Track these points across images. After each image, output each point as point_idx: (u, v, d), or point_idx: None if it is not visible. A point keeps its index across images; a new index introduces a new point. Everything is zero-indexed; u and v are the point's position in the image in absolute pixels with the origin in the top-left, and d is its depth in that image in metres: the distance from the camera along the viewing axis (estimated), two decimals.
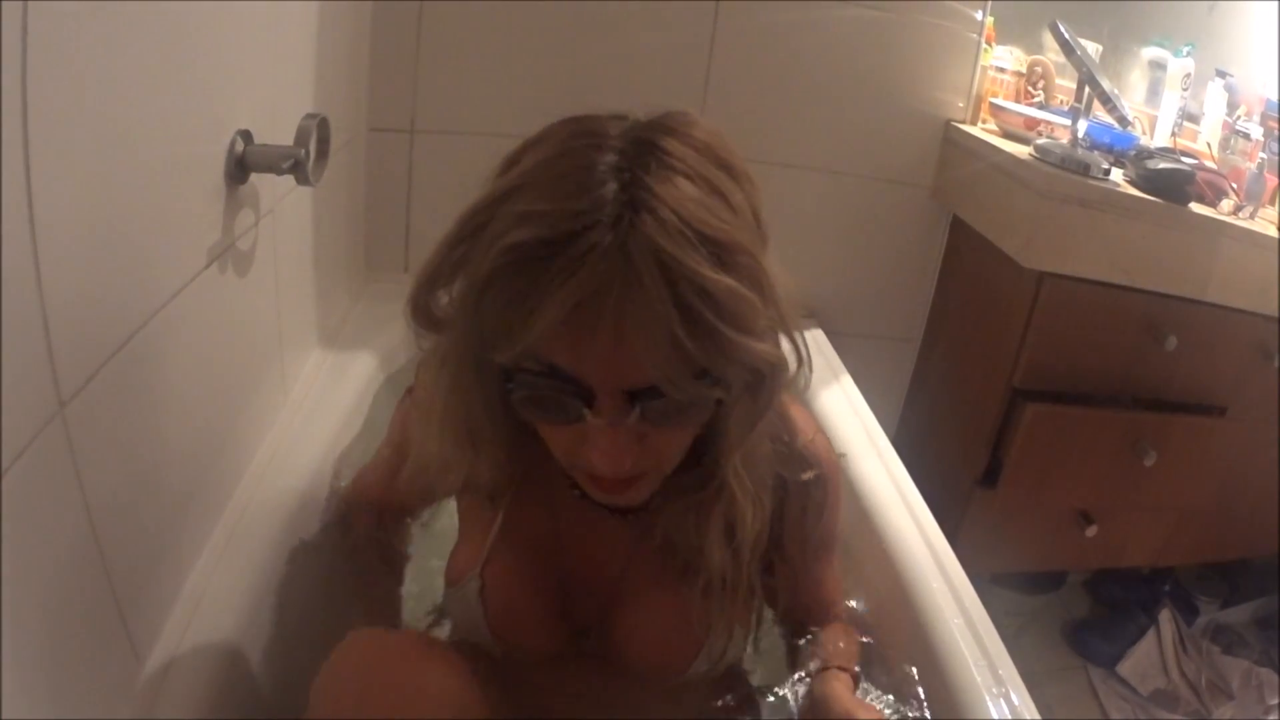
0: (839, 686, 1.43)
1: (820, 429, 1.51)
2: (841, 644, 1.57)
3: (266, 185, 1.79)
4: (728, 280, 0.98)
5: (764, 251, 1.09)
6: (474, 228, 1.05)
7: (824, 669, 1.49)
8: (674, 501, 1.30)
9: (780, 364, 1.14)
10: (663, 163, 1.01)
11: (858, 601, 1.81)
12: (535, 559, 1.41)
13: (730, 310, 0.99)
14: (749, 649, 1.56)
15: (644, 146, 1.03)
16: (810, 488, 1.43)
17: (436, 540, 1.82)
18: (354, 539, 1.75)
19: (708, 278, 0.97)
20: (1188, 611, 3.62)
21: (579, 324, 0.98)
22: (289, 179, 1.68)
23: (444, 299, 1.14)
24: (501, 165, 1.13)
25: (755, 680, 1.64)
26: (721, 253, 0.99)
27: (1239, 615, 3.72)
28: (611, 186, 0.98)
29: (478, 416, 1.20)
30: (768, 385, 1.15)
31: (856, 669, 1.53)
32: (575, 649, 1.47)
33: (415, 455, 1.41)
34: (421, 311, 1.16)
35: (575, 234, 0.95)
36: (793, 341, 1.17)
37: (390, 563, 1.74)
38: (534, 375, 1.05)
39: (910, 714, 1.67)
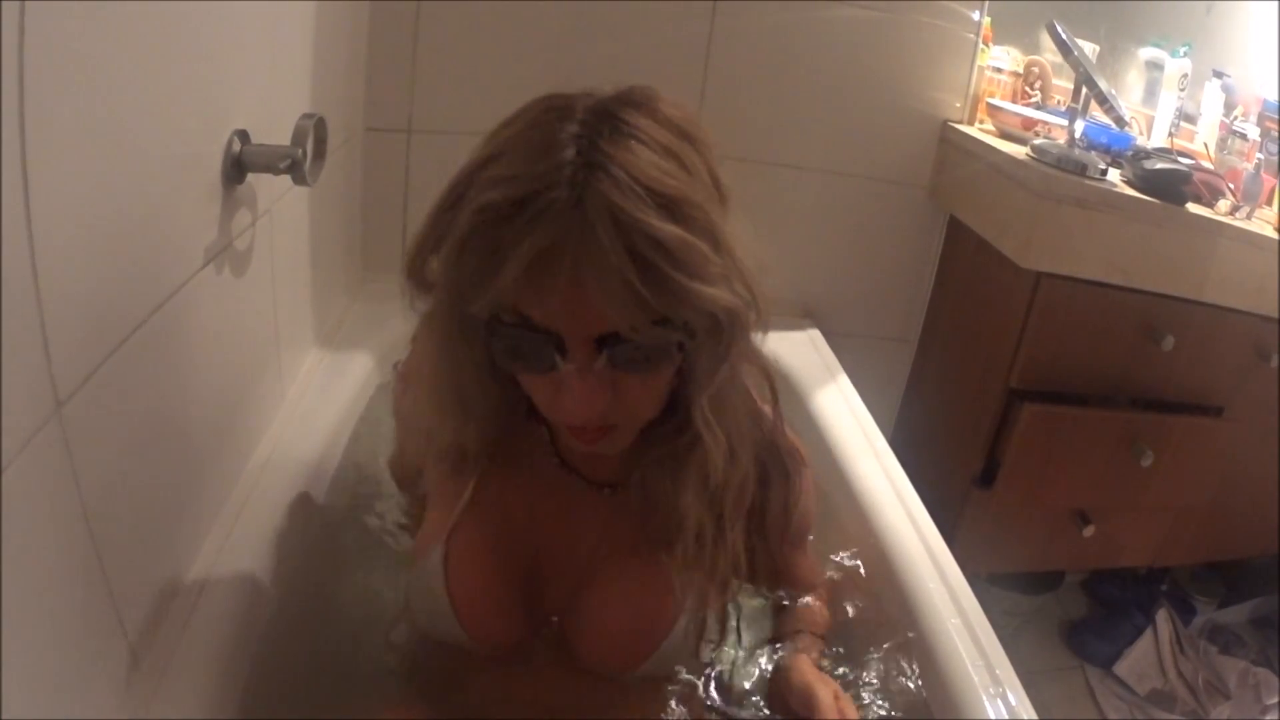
0: (801, 658, 1.53)
1: (795, 432, 1.58)
2: (810, 609, 1.66)
3: (264, 185, 1.79)
4: (677, 230, 1.06)
5: (722, 210, 1.20)
6: (455, 196, 1.13)
7: (793, 633, 1.61)
8: (649, 452, 1.34)
9: (736, 309, 1.17)
10: (619, 130, 1.10)
11: (853, 605, 1.83)
12: (505, 532, 1.44)
13: (681, 258, 1.06)
14: (716, 649, 1.56)
15: (604, 116, 1.12)
16: (789, 472, 1.50)
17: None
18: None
19: (658, 227, 1.04)
20: (1185, 611, 3.63)
21: (541, 274, 1.06)
22: (286, 179, 1.69)
23: (434, 264, 1.20)
24: (483, 140, 1.18)
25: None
26: (672, 205, 1.07)
27: (1236, 615, 3.72)
28: (570, 151, 1.06)
29: (466, 376, 1.27)
30: (727, 331, 1.19)
31: (821, 633, 1.62)
32: (535, 648, 1.48)
33: (405, 422, 1.57)
34: (415, 276, 1.23)
35: (537, 193, 1.04)
36: (749, 288, 1.20)
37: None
38: (509, 327, 1.13)
39: (907, 714, 1.68)
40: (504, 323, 1.13)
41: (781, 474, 1.49)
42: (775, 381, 1.44)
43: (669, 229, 1.05)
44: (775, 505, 1.50)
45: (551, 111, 1.15)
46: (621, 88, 1.21)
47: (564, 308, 1.10)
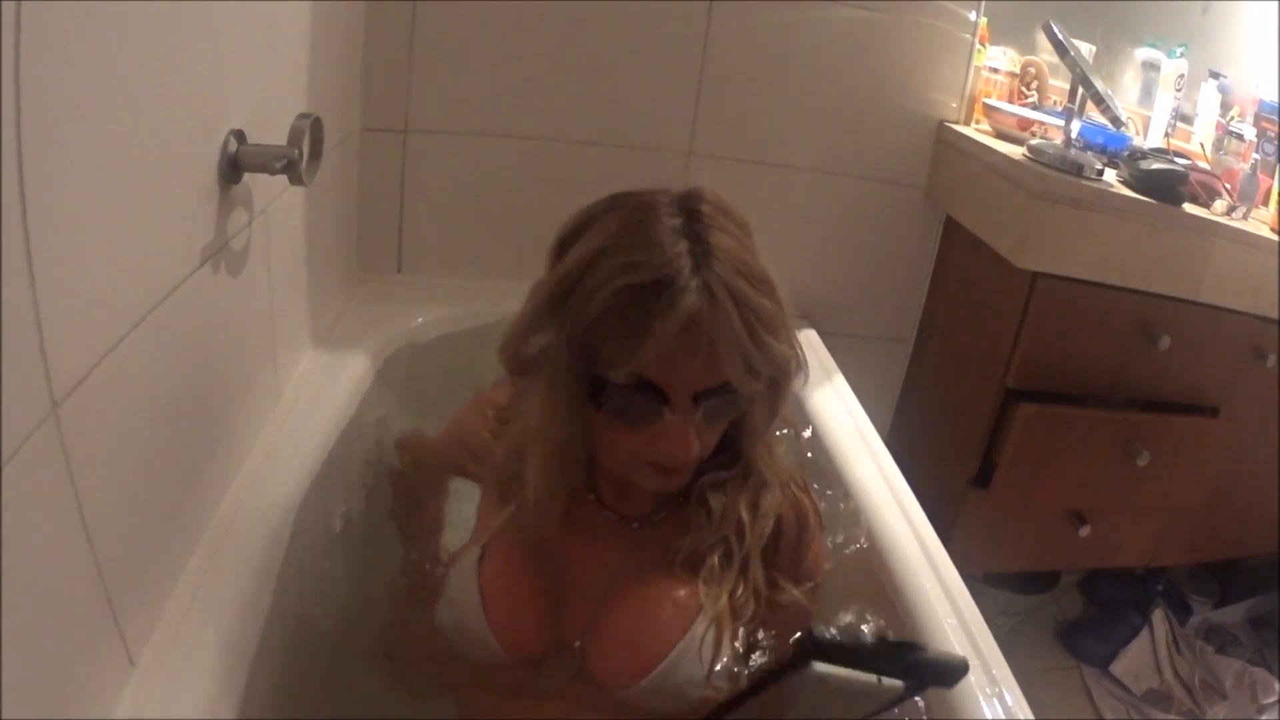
0: None
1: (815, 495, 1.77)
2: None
3: (260, 185, 1.79)
4: (768, 303, 1.35)
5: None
6: (570, 285, 1.35)
7: None
8: (701, 480, 1.55)
9: (797, 363, 1.47)
10: (704, 221, 1.35)
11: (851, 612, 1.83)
12: (537, 551, 1.56)
13: (773, 325, 1.36)
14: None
15: (690, 211, 1.37)
16: (804, 513, 1.66)
17: None
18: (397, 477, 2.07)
19: (758, 302, 1.32)
20: (1181, 611, 3.63)
21: (680, 344, 1.29)
22: (282, 179, 1.68)
23: (537, 343, 1.42)
24: (561, 242, 1.46)
25: None
26: (760, 283, 1.35)
27: (1232, 615, 3.73)
28: (684, 243, 1.31)
29: (571, 432, 1.46)
30: (786, 381, 1.49)
31: None
32: (553, 671, 1.56)
33: (464, 438, 1.78)
34: (514, 355, 1.47)
35: (670, 278, 1.28)
36: (797, 346, 1.47)
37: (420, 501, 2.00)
38: (622, 389, 1.36)
39: (902, 714, 1.68)
40: (618, 384, 1.35)
41: (799, 521, 1.65)
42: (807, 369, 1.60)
43: (765, 303, 1.33)
44: (787, 547, 1.63)
45: (641, 209, 1.38)
46: (681, 189, 1.44)
47: (688, 369, 1.33)
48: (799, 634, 1.24)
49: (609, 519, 1.61)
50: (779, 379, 1.46)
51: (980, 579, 3.26)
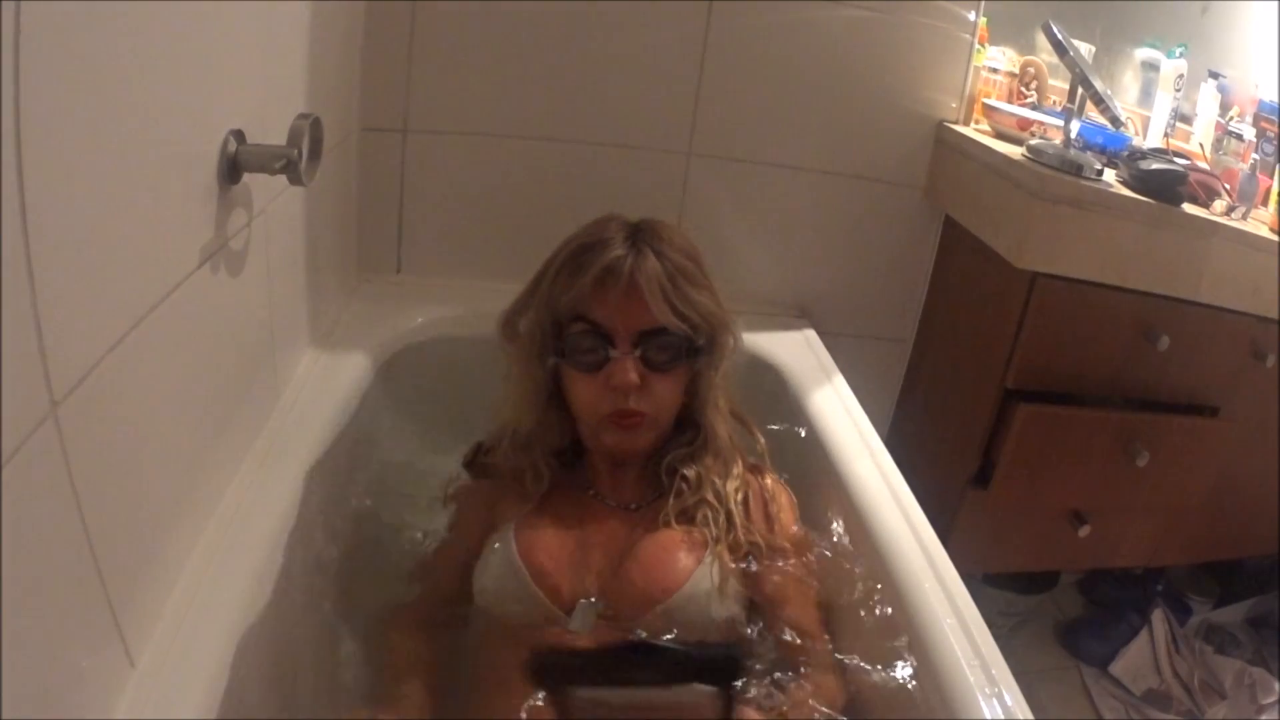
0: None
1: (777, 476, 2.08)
2: (804, 691, 1.73)
3: (259, 185, 1.79)
4: (691, 265, 1.80)
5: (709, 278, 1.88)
6: (543, 269, 1.85)
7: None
8: (671, 455, 1.90)
9: (723, 319, 1.86)
10: (650, 228, 1.82)
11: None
12: (558, 526, 1.84)
13: (692, 279, 1.79)
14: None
15: (640, 226, 1.82)
16: (767, 483, 2.00)
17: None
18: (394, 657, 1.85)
19: (680, 260, 1.78)
20: (1180, 611, 3.63)
21: (606, 282, 1.73)
22: (281, 179, 1.69)
23: (521, 324, 1.88)
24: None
25: None
26: (687, 253, 1.82)
27: (1231, 615, 3.73)
28: (622, 231, 1.80)
29: (540, 387, 1.88)
30: (718, 340, 1.86)
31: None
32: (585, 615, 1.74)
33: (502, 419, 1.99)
34: (506, 324, 1.90)
35: (603, 241, 1.76)
36: (724, 308, 1.86)
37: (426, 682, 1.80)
38: (576, 335, 1.76)
39: (903, 714, 1.68)
40: (573, 332, 1.76)
41: (760, 486, 1.98)
42: (755, 427, 2.08)
43: (687, 264, 1.79)
44: (756, 510, 1.93)
45: (597, 222, 1.84)
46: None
47: (618, 307, 1.73)
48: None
49: (610, 506, 1.90)
50: (713, 336, 1.84)
51: (980, 579, 3.26)
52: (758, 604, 1.84)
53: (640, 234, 1.78)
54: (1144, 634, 3.44)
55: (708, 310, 1.79)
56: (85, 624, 1.23)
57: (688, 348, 1.78)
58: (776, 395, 2.64)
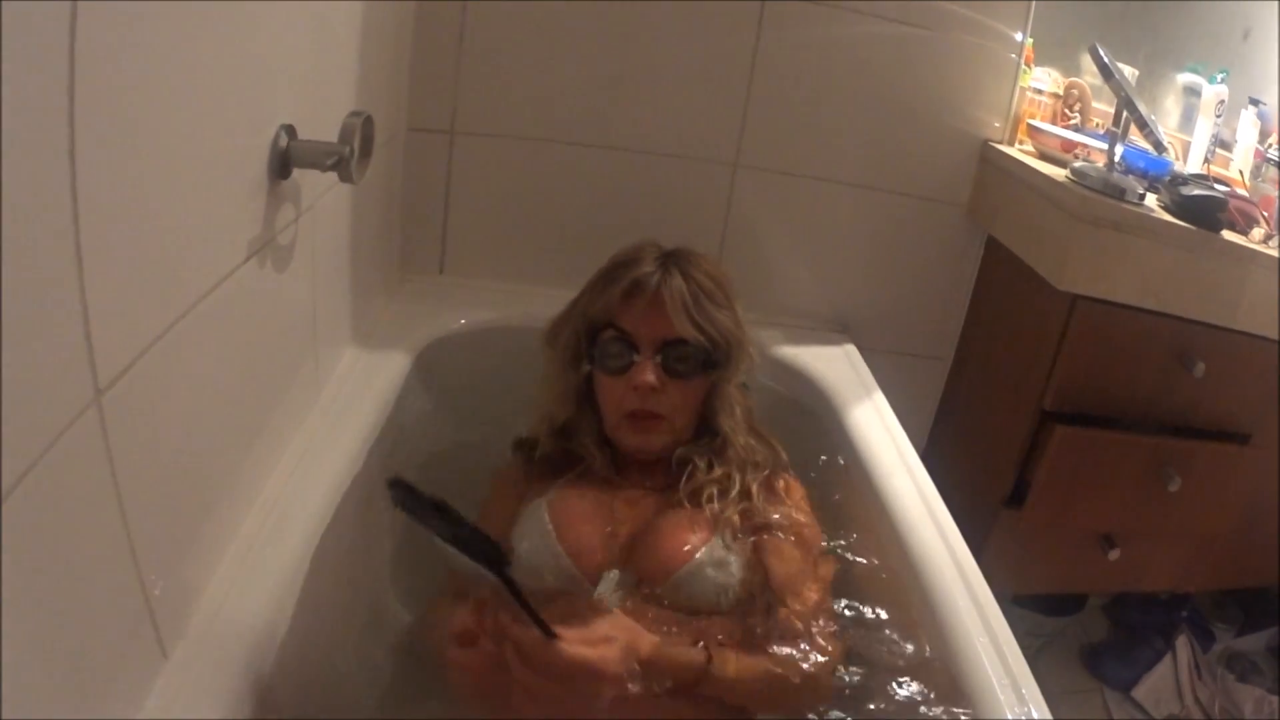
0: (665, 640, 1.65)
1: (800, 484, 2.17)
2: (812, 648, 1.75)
3: (307, 181, 1.80)
4: (714, 286, 1.99)
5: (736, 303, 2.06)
6: (580, 292, 2.06)
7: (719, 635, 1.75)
8: (691, 448, 2.03)
9: (741, 339, 2.02)
10: (684, 257, 2.01)
11: (892, 630, 1.86)
12: (588, 502, 1.95)
13: (714, 298, 1.98)
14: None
15: (673, 251, 2.03)
16: (782, 479, 2.10)
17: None
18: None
19: (704, 282, 1.97)
20: (1204, 638, 3.62)
21: (634, 294, 1.94)
22: (328, 175, 1.70)
23: (563, 334, 2.05)
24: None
25: None
26: (714, 277, 2.01)
27: (1254, 643, 3.72)
28: (656, 255, 2.01)
29: (573, 390, 2.05)
30: (735, 356, 2.01)
31: (710, 655, 1.65)
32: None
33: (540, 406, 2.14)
34: (551, 332, 2.08)
35: (635, 260, 1.97)
36: (743, 328, 2.04)
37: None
38: (605, 340, 1.95)
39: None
40: (603, 339, 1.96)
41: (769, 480, 2.07)
42: (776, 440, 2.15)
43: (710, 283, 1.98)
44: (764, 492, 2.02)
45: (635, 244, 2.04)
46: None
47: (643, 318, 1.93)
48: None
49: (634, 490, 2.01)
50: (730, 352, 2.00)
51: (1009, 599, 3.26)
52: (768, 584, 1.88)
53: (671, 257, 1.99)
54: (1167, 659, 3.43)
55: (727, 328, 1.98)
56: (120, 613, 1.23)
57: (705, 360, 1.96)
58: (816, 411, 2.65)
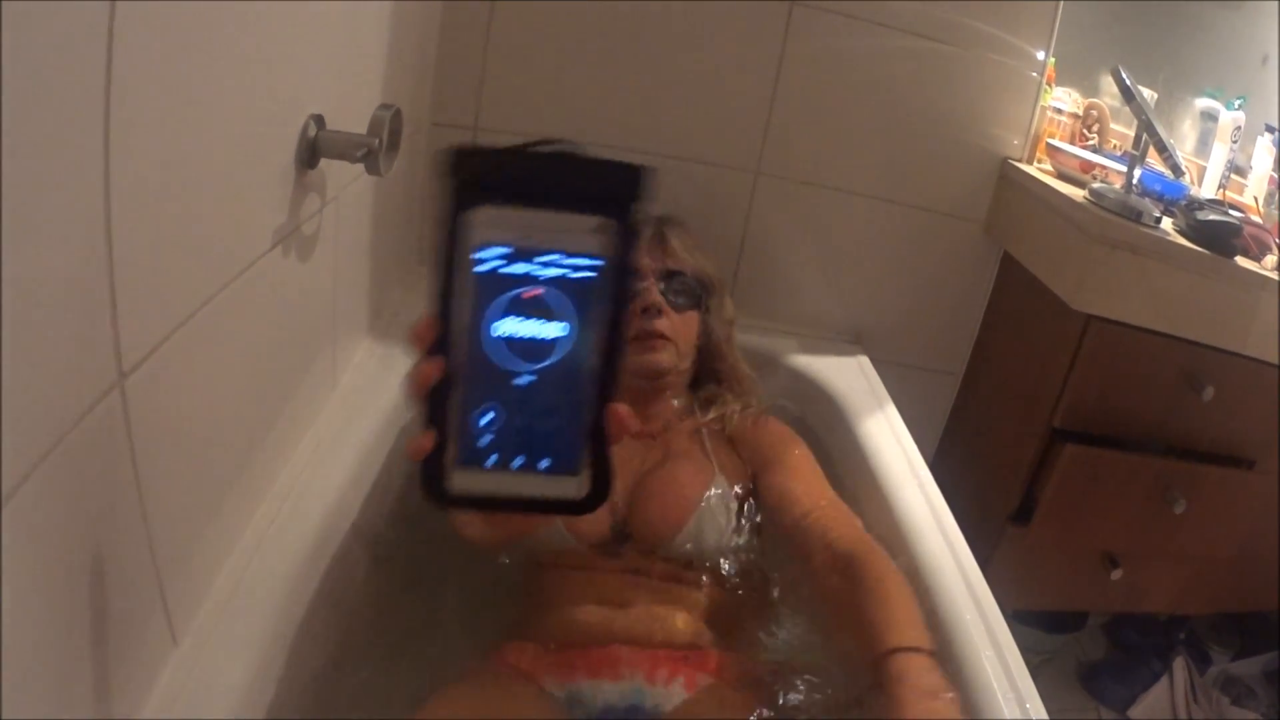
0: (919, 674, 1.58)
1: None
2: (899, 612, 1.71)
3: (333, 171, 1.80)
4: (694, 242, 2.32)
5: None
6: None
7: (892, 651, 1.60)
8: (696, 395, 2.33)
9: (722, 283, 2.38)
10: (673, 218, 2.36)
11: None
12: None
13: (700, 249, 2.32)
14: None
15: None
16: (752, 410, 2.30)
17: None
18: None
19: (692, 236, 2.33)
20: (1201, 660, 3.63)
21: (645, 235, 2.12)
22: (353, 167, 1.72)
23: None
24: None
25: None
26: (693, 239, 2.33)
27: (1249, 668, 3.72)
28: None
29: None
30: (719, 298, 2.33)
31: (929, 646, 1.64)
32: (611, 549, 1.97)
33: None
34: None
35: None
36: (722, 276, 2.40)
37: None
38: None
39: None
40: None
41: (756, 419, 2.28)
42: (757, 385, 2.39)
43: (693, 238, 2.32)
44: (745, 423, 2.26)
45: None
46: None
47: (646, 251, 2.19)
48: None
49: (637, 442, 2.13)
50: (715, 290, 2.31)
51: (1010, 615, 3.27)
52: (786, 529, 2.01)
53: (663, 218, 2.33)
54: (1164, 680, 3.44)
55: (712, 271, 2.31)
56: (133, 597, 1.24)
57: (698, 295, 2.24)
58: (829, 420, 2.65)
